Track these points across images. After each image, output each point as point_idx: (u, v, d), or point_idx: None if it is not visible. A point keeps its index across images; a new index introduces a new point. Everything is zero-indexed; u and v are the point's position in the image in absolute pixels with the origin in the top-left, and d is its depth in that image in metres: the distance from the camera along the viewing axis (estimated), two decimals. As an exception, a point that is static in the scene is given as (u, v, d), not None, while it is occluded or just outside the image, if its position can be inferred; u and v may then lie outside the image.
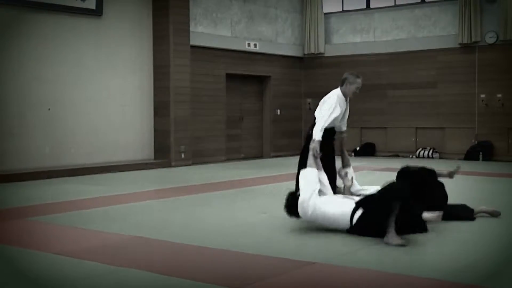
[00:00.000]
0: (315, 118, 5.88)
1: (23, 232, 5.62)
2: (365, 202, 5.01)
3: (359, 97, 14.30)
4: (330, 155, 5.89)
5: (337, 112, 5.76)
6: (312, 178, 5.31)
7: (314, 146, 5.53)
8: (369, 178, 9.65)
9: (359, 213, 5.00)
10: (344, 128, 6.10)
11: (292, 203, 5.37)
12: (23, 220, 6.11)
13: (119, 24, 11.51)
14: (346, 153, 6.14)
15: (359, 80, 5.88)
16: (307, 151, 5.66)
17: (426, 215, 4.70)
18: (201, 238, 5.15)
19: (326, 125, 5.69)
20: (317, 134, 5.64)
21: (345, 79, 5.88)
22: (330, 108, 5.74)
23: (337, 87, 5.96)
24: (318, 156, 5.51)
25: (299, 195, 5.34)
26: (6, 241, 5.16)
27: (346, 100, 5.95)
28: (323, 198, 5.24)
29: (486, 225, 5.57)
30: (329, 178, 5.67)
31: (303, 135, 15.21)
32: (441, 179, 5.90)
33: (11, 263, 4.45)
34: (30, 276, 4.10)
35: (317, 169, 5.43)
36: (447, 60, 13.45)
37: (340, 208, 5.12)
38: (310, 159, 5.46)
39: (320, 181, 5.38)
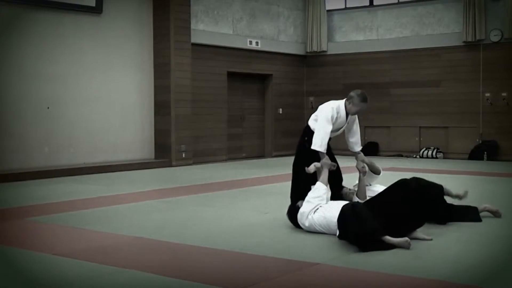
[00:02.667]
0: (308, 122, 5.77)
1: (22, 232, 5.58)
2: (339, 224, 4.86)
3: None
4: (330, 155, 5.71)
5: (329, 127, 5.51)
6: (319, 194, 5.25)
7: (326, 162, 5.40)
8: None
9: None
10: (357, 148, 5.81)
11: (292, 212, 5.42)
12: (22, 220, 6.07)
13: (119, 22, 11.43)
14: (374, 165, 5.87)
15: (363, 105, 5.59)
16: (303, 153, 5.60)
17: (392, 239, 4.60)
18: (202, 238, 5.11)
19: (326, 139, 5.50)
20: (320, 147, 5.46)
21: (351, 97, 5.59)
22: (324, 121, 5.53)
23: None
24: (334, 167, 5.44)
25: (298, 206, 5.36)
26: (5, 241, 5.13)
27: (346, 116, 5.67)
28: (320, 212, 5.17)
29: (489, 226, 5.50)
30: (334, 178, 5.59)
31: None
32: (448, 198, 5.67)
33: (10, 263, 4.41)
34: (28, 276, 4.06)
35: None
36: (451, 58, 13.35)
37: (331, 218, 5.05)
38: (324, 176, 5.34)
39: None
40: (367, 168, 5.81)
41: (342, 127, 5.75)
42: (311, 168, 5.44)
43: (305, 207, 5.26)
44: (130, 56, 11.63)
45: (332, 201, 5.28)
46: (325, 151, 5.50)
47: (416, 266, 4.14)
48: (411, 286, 3.78)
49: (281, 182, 9.01)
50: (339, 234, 4.79)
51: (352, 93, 5.64)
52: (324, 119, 5.53)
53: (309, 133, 5.70)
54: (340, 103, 5.66)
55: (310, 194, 5.30)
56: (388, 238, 4.60)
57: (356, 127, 5.87)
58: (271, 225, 5.63)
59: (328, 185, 5.40)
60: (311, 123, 5.75)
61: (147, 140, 11.94)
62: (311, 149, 5.53)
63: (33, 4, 10.10)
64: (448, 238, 4.99)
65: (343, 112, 5.64)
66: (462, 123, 13.29)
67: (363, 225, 4.54)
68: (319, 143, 5.47)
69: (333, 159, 5.73)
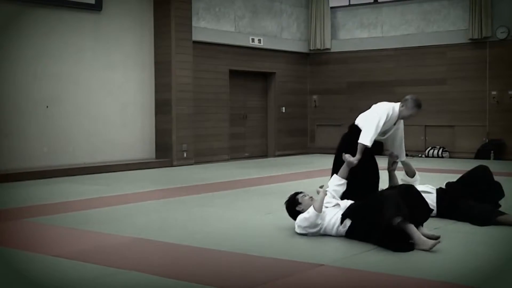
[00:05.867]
0: (353, 123, 5.70)
1: (20, 233, 5.54)
2: (353, 213, 4.84)
3: (365, 94, 14.29)
4: (370, 157, 5.64)
5: (381, 124, 5.51)
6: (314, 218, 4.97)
7: (351, 161, 5.34)
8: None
9: (347, 223, 4.88)
10: (401, 157, 5.83)
11: (292, 207, 5.21)
12: (20, 221, 6.03)
13: (119, 19, 11.32)
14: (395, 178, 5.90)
15: (416, 110, 5.62)
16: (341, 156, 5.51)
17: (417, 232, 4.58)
18: (204, 239, 5.06)
19: (374, 136, 5.46)
20: (368, 142, 5.40)
21: (406, 100, 5.64)
22: (377, 119, 5.50)
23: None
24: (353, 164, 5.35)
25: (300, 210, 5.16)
26: (3, 242, 5.08)
27: (397, 119, 5.67)
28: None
29: (490, 227, 5.37)
30: (372, 179, 5.62)
31: (309, 133, 15.14)
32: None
33: (8, 265, 4.37)
34: (27, 278, 4.01)
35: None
36: (457, 56, 13.21)
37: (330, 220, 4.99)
38: (320, 202, 5.11)
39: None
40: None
41: (389, 132, 5.74)
42: (347, 157, 5.35)
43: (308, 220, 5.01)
44: (130, 54, 11.50)
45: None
46: (369, 144, 5.44)
47: (418, 267, 4.11)
48: (413, 287, 3.75)
49: (284, 182, 8.98)
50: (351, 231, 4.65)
51: (407, 96, 5.70)
52: (377, 117, 5.51)
53: (357, 132, 5.64)
54: (394, 105, 5.68)
55: (304, 222, 5.03)
56: (413, 228, 4.50)
57: (401, 141, 5.90)
58: (275, 226, 5.56)
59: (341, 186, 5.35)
60: (360, 121, 5.70)
61: (147, 140, 11.82)
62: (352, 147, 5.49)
63: (33, 1, 9.99)
64: (449, 239, 4.90)
65: (394, 114, 5.64)
66: (468, 121, 13.13)
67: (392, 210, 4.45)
68: (368, 138, 5.44)
69: (374, 163, 5.70)
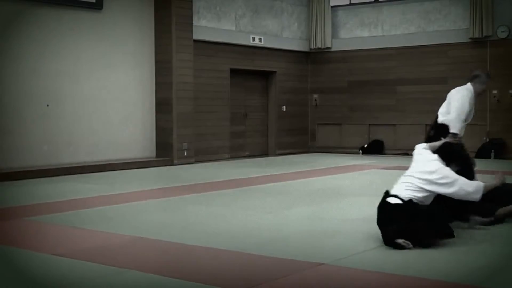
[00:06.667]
0: (437, 117, 5.67)
1: (21, 232, 5.53)
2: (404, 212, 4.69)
3: (366, 93, 14.27)
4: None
5: (466, 106, 5.50)
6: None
7: (453, 139, 5.24)
8: (377, 177, 9.40)
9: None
10: (461, 133, 5.76)
11: (451, 158, 4.89)
12: (20, 220, 6.02)
13: (120, 18, 11.30)
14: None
15: (488, 82, 5.70)
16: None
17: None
18: (204, 238, 5.05)
19: (463, 117, 5.45)
20: (455, 125, 5.37)
21: (477, 76, 5.65)
22: (461, 100, 5.49)
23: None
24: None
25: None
26: (4, 241, 5.07)
27: (474, 97, 5.67)
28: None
29: (495, 226, 5.37)
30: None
31: (310, 132, 15.13)
32: None
33: (8, 264, 4.40)
34: (28, 277, 4.00)
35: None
36: (457, 55, 13.19)
37: None
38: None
39: None
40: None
41: (471, 113, 5.70)
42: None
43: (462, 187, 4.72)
44: (131, 53, 11.49)
45: None
46: (457, 131, 5.40)
47: (418, 267, 4.10)
48: (414, 286, 3.75)
49: (284, 181, 8.93)
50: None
51: (476, 72, 5.71)
52: (461, 100, 5.49)
53: (441, 128, 5.54)
54: (467, 87, 5.66)
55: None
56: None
57: (473, 111, 5.89)
58: (275, 225, 5.56)
59: None
60: (443, 117, 5.66)
61: (148, 138, 11.81)
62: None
63: (33, 0, 9.96)
64: (455, 240, 4.85)
65: (471, 95, 5.64)
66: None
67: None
68: (458, 127, 5.42)
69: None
